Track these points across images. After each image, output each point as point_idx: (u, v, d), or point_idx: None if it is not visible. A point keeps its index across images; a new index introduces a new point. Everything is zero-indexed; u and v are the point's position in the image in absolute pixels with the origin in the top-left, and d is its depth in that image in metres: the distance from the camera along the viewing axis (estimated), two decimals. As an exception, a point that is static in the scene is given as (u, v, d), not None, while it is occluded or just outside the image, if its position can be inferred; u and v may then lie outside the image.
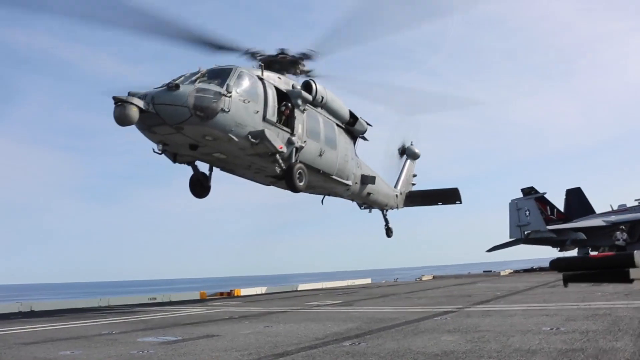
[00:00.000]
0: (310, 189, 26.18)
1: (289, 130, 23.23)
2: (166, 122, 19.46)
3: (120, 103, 18.56)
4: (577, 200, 58.29)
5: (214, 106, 19.82)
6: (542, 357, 7.93)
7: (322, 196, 30.71)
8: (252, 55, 23.73)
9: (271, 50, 24.48)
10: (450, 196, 38.65)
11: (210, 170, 24.48)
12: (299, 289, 38.47)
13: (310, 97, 24.51)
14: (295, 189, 23.56)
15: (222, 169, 24.54)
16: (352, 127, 28.89)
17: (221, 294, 34.37)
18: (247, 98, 21.10)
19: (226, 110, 20.11)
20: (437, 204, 39.41)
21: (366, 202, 34.88)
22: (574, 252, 55.14)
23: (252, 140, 21.27)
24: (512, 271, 52.86)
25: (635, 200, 52.32)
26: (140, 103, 18.82)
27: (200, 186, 24.19)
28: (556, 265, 6.88)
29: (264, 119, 21.78)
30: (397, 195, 37.25)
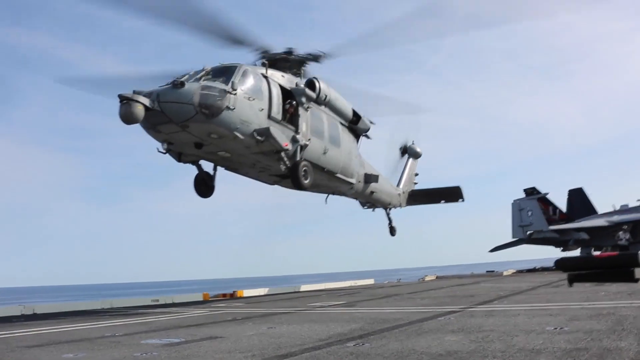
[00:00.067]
0: (314, 187, 26.15)
1: (293, 128, 23.22)
2: (172, 120, 19.46)
3: (125, 101, 18.56)
4: (579, 201, 58.15)
5: (219, 104, 19.82)
6: (547, 356, 7.91)
7: (325, 195, 30.67)
8: (262, 52, 23.70)
9: (279, 48, 24.49)
10: (452, 194, 38.59)
11: (215, 169, 24.48)
12: (301, 289, 38.44)
13: (314, 95, 24.49)
14: (300, 187, 23.56)
15: (227, 168, 24.53)
16: (355, 126, 28.85)
17: (224, 295, 34.32)
18: (252, 96, 21.10)
19: (231, 107, 20.11)
20: (440, 203, 39.34)
21: (369, 201, 34.87)
22: (576, 252, 55.04)
23: (258, 137, 21.24)
24: (515, 271, 52.79)
25: (638, 200, 52.12)
26: (146, 101, 18.83)
27: (204, 186, 24.20)
28: (561, 265, 6.88)
29: (269, 116, 21.78)
30: (399, 194, 37.22)
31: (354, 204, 36.63)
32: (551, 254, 57.16)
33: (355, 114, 28.58)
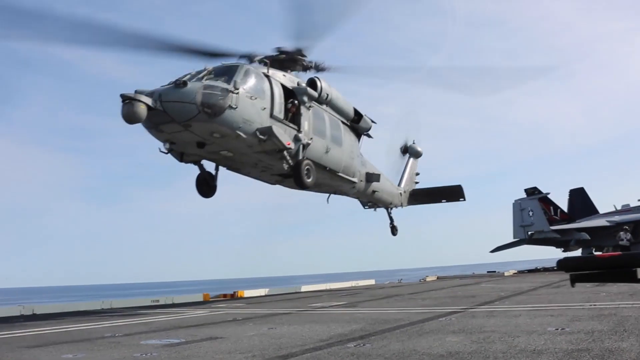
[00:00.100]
0: (316, 187, 26.13)
1: (295, 127, 23.21)
2: (174, 120, 19.44)
3: (128, 101, 18.55)
4: (580, 201, 58.19)
5: (222, 103, 19.80)
6: (548, 357, 7.88)
7: (327, 195, 30.65)
8: (250, 57, 23.63)
9: (268, 50, 24.39)
10: (454, 193, 38.52)
11: (217, 169, 24.47)
12: (302, 290, 38.41)
13: (315, 94, 24.46)
14: (303, 186, 23.53)
15: (228, 167, 24.50)
16: (356, 125, 28.83)
17: (224, 295, 34.29)
18: (254, 95, 21.10)
19: (234, 107, 20.10)
20: (441, 202, 39.26)
21: (371, 200, 34.83)
22: (577, 253, 55.07)
23: (260, 136, 21.22)
24: (516, 272, 52.85)
25: (639, 200, 52.24)
26: (148, 100, 18.81)
27: (206, 185, 24.19)
28: (563, 265, 6.85)
29: (271, 115, 21.78)
30: (401, 194, 37.18)
31: (355, 204, 36.62)
32: (552, 254, 57.21)
33: (356, 112, 28.57)
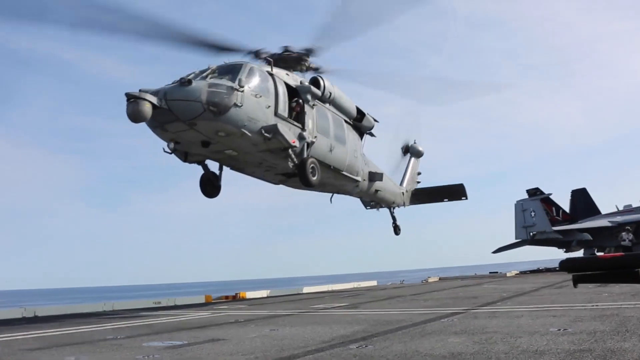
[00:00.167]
0: (320, 186, 26.04)
1: (299, 125, 23.19)
2: (179, 118, 19.38)
3: (133, 99, 18.45)
4: (582, 201, 58.18)
5: (227, 101, 19.76)
6: (550, 358, 7.87)
7: (329, 195, 30.66)
8: (256, 54, 23.65)
9: (274, 48, 24.46)
10: (456, 192, 38.48)
11: (220, 169, 24.43)
12: (303, 291, 38.40)
13: (319, 93, 24.48)
14: (308, 184, 23.42)
15: (232, 167, 24.46)
16: (359, 123, 28.85)
17: (226, 297, 34.28)
18: (258, 93, 21.07)
19: (239, 105, 20.06)
20: (443, 201, 39.21)
21: (374, 200, 34.82)
22: (579, 253, 55.06)
23: (265, 134, 21.18)
24: (518, 272, 52.81)
25: (641, 200, 52.19)
26: (153, 99, 18.73)
27: (211, 185, 24.14)
28: (566, 266, 6.86)
29: (276, 113, 21.75)
30: (403, 193, 37.18)
31: (357, 205, 36.66)
32: (554, 254, 57.22)
33: (359, 111, 28.57)
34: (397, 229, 37.83)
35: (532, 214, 54.91)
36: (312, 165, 23.28)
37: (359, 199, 37.05)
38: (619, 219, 50.73)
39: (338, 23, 23.21)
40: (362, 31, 25.42)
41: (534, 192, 57.07)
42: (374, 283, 46.99)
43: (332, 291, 38.50)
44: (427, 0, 26.45)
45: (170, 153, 21.36)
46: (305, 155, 23.21)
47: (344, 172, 27.15)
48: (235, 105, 19.99)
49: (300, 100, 23.55)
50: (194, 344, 11.61)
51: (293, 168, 23.32)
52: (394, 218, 37.65)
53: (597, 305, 15.13)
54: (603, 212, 55.87)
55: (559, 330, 10.61)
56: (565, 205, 59.13)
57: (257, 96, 21.00)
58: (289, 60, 24.82)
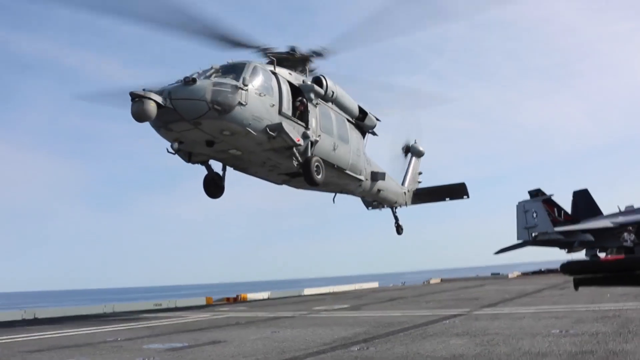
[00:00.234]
0: (323, 186, 25.90)
1: (303, 124, 23.14)
2: (184, 118, 19.28)
3: (137, 99, 18.28)
4: (584, 202, 58.04)
5: (231, 100, 19.67)
6: (553, 360, 7.84)
7: (332, 195, 30.60)
8: (265, 52, 23.62)
9: (282, 47, 24.46)
10: (457, 191, 38.33)
11: (224, 169, 24.35)
12: (305, 293, 38.36)
13: (322, 92, 24.45)
14: (313, 183, 23.29)
15: (236, 167, 24.38)
16: (361, 123, 28.80)
17: (227, 299, 34.26)
18: (262, 92, 21.02)
19: (243, 103, 19.99)
20: (445, 200, 39.05)
21: (376, 200, 34.72)
22: (581, 254, 55.00)
23: (270, 133, 21.09)
24: (520, 274, 52.77)
25: (643, 201, 52.12)
26: (158, 98, 18.55)
27: (214, 186, 24.06)
28: (567, 268, 6.80)
29: (280, 112, 21.70)
30: (405, 193, 37.08)
31: (358, 206, 36.58)
32: (556, 255, 57.11)
33: (361, 110, 28.54)
34: (399, 229, 37.73)
35: (534, 215, 54.79)
36: (316, 163, 23.20)
37: (360, 200, 37.09)
38: (620, 219, 50.63)
39: (358, 31, 23.26)
40: (375, 41, 25.43)
41: (535, 193, 56.98)
42: (375, 285, 47.01)
43: (334, 293, 38.50)
44: (444, 19, 26.33)
45: (174, 153, 21.27)
46: (309, 154, 23.17)
47: (347, 171, 27.08)
48: (240, 104, 19.92)
49: (304, 99, 23.53)
50: (195, 346, 11.59)
51: (297, 167, 23.26)
52: (396, 218, 37.56)
53: (599, 307, 15.09)
54: (605, 213, 55.72)
55: (561, 332, 10.59)
56: (567, 206, 59.00)
57: (261, 95, 20.95)
58: (293, 60, 24.82)
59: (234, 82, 20.01)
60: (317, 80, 24.70)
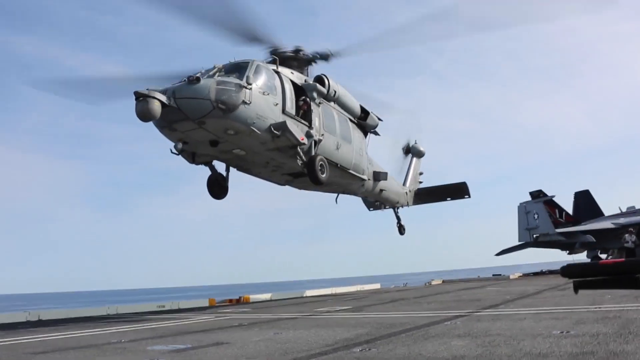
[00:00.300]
0: (326, 185, 25.93)
1: (307, 123, 23.17)
2: (188, 117, 19.27)
3: (142, 98, 18.27)
4: (585, 203, 58.04)
5: (236, 98, 19.68)
6: (553, 361, 7.90)
7: (334, 196, 30.61)
8: (273, 50, 23.63)
9: (287, 47, 24.48)
10: (459, 191, 38.34)
11: (227, 170, 24.38)
12: (306, 294, 38.36)
13: (324, 91, 24.48)
14: (317, 182, 23.25)
15: (239, 168, 24.40)
16: (363, 122, 28.83)
17: (230, 300, 34.30)
18: (266, 90, 21.05)
19: (247, 102, 20.00)
20: (446, 200, 39.04)
21: (378, 200, 34.74)
22: (583, 255, 55.00)
23: (274, 132, 21.11)
24: (521, 275, 52.75)
25: (644, 202, 52.08)
26: (162, 97, 18.56)
27: (218, 187, 24.06)
28: (567, 272, 6.89)
29: (284, 111, 21.72)
30: (407, 193, 37.12)
31: (360, 208, 36.62)
32: (558, 257, 57.09)
33: (363, 110, 28.56)
34: (401, 229, 37.76)
35: (535, 216, 54.78)
36: (320, 162, 23.19)
37: (361, 201, 37.17)
38: (622, 220, 50.61)
39: (365, 39, 23.25)
40: (381, 50, 25.49)
41: (537, 194, 56.95)
42: (377, 286, 47.00)
43: (336, 294, 38.49)
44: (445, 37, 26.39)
45: (178, 154, 21.28)
46: (313, 153, 23.19)
47: (350, 171, 27.10)
48: (244, 102, 19.92)
49: (307, 99, 23.56)
50: (198, 348, 11.65)
51: (302, 166, 23.25)
52: (398, 218, 37.60)
53: (600, 308, 15.13)
54: (606, 214, 55.74)
55: (562, 332, 10.63)
56: (569, 207, 59.01)
57: (265, 94, 20.96)
58: (297, 60, 24.85)
59: (237, 81, 20.02)
60: (319, 80, 24.75)
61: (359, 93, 28.23)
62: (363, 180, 28.81)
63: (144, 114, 18.43)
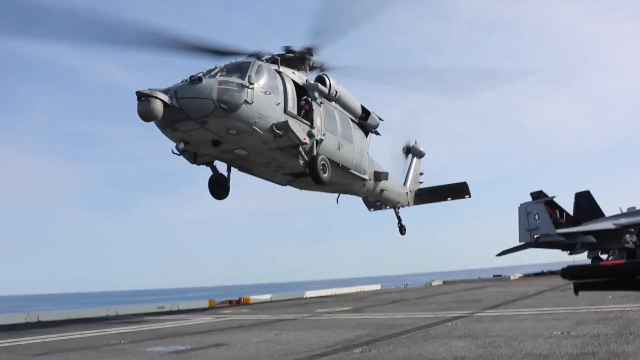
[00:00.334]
0: (327, 185, 25.91)
1: (308, 123, 23.15)
2: (190, 117, 19.23)
3: (144, 98, 18.26)
4: (586, 204, 57.97)
5: (238, 98, 19.66)
6: (554, 362, 7.87)
7: (334, 197, 30.59)
8: (257, 56, 23.57)
9: (275, 50, 24.42)
10: (459, 191, 38.30)
11: (229, 170, 24.35)
12: (306, 295, 38.33)
13: (326, 90, 24.46)
14: (319, 181, 23.21)
15: (240, 168, 24.37)
16: (364, 122, 28.80)
17: (230, 302, 34.26)
18: (268, 90, 21.03)
19: (249, 102, 19.98)
20: (447, 200, 39.00)
21: (379, 200, 34.71)
22: (583, 255, 54.94)
23: (277, 131, 21.08)
24: (522, 275, 52.74)
25: (645, 202, 52.04)
26: (165, 97, 18.54)
27: (219, 187, 24.03)
28: (567, 273, 6.87)
29: (285, 111, 21.71)
30: (407, 193, 37.10)
31: (361, 209, 36.59)
32: (558, 257, 57.06)
33: (364, 110, 28.55)
34: (402, 229, 37.70)
35: (536, 216, 54.76)
36: (322, 162, 23.16)
37: (362, 202, 37.17)
38: (622, 221, 50.55)
39: (331, 20, 23.08)
40: (356, 26, 25.20)
41: (537, 195, 56.91)
42: (377, 287, 46.95)
43: (336, 295, 38.47)
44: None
45: (179, 154, 21.24)
46: (315, 152, 23.15)
47: (351, 170, 27.07)
48: (246, 102, 19.90)
49: (308, 98, 23.55)
50: (198, 349, 11.63)
51: (304, 166, 23.24)
52: (399, 218, 37.55)
53: (600, 308, 15.11)
54: (607, 214, 55.69)
55: (563, 333, 10.61)
56: (569, 208, 58.93)
57: (267, 93, 20.94)
58: (292, 60, 24.83)
59: (239, 81, 20.00)
60: (321, 80, 24.73)
61: (359, 93, 28.20)
62: (364, 180, 28.78)
63: (146, 114, 18.41)
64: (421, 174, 40.10)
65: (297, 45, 24.77)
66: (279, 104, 21.49)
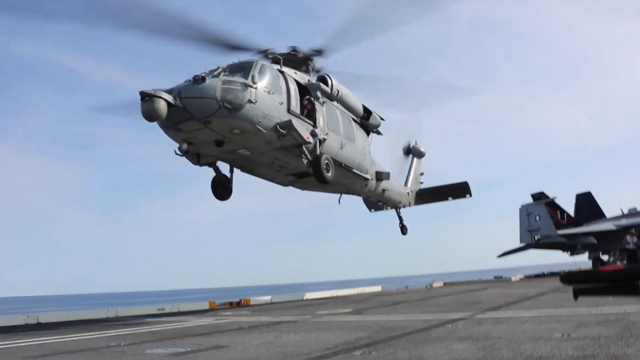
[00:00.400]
0: (330, 185, 25.88)
1: (311, 122, 23.14)
2: (194, 117, 19.15)
3: (147, 98, 18.16)
4: (587, 205, 57.97)
5: (241, 97, 19.58)
6: (555, 364, 7.85)
7: (336, 197, 30.56)
8: (265, 53, 23.58)
9: (283, 48, 24.44)
10: (460, 190, 38.27)
11: (231, 171, 24.31)
12: (307, 297, 38.31)
13: (328, 90, 24.43)
14: (323, 180, 23.16)
15: (243, 169, 24.33)
16: (366, 122, 28.79)
17: (230, 303, 34.26)
18: (271, 89, 20.99)
19: (253, 101, 19.92)
20: (448, 199, 38.98)
21: (381, 200, 34.68)
22: (584, 256, 54.95)
23: (280, 131, 21.01)
24: (523, 277, 52.71)
25: (646, 203, 52.04)
26: (168, 97, 18.44)
27: (222, 188, 23.99)
28: (566, 279, 6.85)
29: (289, 110, 21.67)
30: (408, 193, 37.09)
31: (361, 210, 36.55)
32: (559, 258, 57.09)
33: (365, 109, 28.53)
34: (404, 229, 37.66)
35: (537, 218, 54.80)
36: (326, 161, 23.13)
37: (362, 203, 37.16)
38: (623, 222, 50.57)
39: (350, 27, 23.14)
40: (373, 35, 25.29)
41: (538, 196, 56.93)
42: (378, 289, 46.95)
43: (336, 297, 38.46)
44: (436, 9, 26.28)
45: (182, 155, 21.15)
46: (318, 152, 23.13)
47: (354, 170, 27.03)
48: (250, 101, 19.84)
49: (311, 98, 23.53)
50: (198, 351, 11.61)
51: (307, 165, 23.20)
52: (400, 218, 37.51)
53: (601, 311, 15.06)
54: (608, 215, 55.70)
55: (563, 335, 10.59)
56: (570, 209, 58.94)
57: (270, 93, 20.90)
58: (296, 60, 24.84)
59: (243, 80, 19.93)
60: (323, 80, 24.71)
61: (360, 93, 28.19)
62: (366, 179, 28.76)
63: (150, 114, 18.35)
64: (422, 174, 40.07)
65: (304, 47, 24.85)
66: (282, 103, 21.46)
